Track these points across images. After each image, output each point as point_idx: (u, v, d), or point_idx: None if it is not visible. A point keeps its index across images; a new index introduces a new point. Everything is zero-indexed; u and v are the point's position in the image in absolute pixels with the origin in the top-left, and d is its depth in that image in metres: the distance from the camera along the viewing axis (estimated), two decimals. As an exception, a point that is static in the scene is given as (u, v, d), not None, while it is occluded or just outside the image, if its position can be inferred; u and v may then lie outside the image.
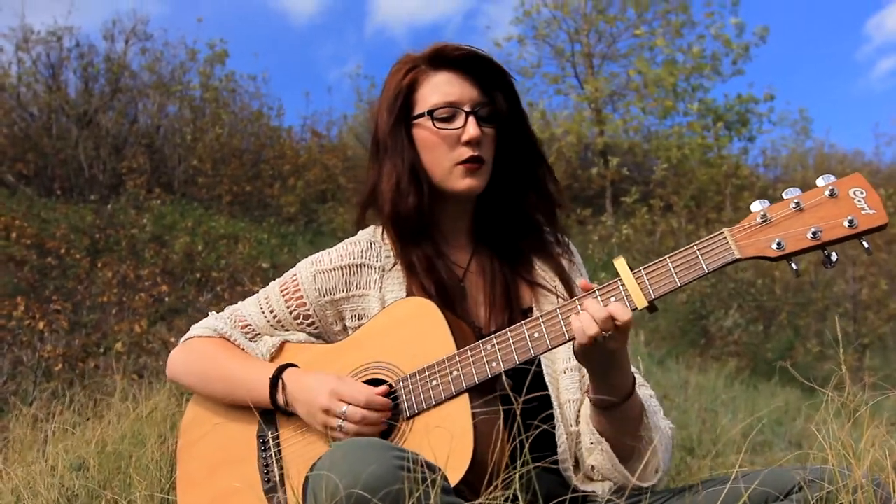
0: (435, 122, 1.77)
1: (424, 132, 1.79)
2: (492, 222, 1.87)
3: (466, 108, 1.76)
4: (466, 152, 1.75)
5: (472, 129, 1.75)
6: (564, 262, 1.89)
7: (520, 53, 13.83)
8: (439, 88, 1.78)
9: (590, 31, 13.45)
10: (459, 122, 1.76)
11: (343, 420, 1.60)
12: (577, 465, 1.73)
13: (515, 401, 1.48)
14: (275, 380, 1.73)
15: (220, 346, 1.87)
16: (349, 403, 1.60)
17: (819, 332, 9.18)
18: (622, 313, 1.48)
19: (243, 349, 1.86)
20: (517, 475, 1.43)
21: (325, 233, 10.63)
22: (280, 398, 1.72)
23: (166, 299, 7.07)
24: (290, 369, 1.74)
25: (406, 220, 1.78)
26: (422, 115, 1.78)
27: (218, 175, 11.03)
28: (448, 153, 1.77)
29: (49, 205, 9.22)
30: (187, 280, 7.76)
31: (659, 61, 12.96)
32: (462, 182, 1.77)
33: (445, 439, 1.53)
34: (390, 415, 1.63)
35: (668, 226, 11.04)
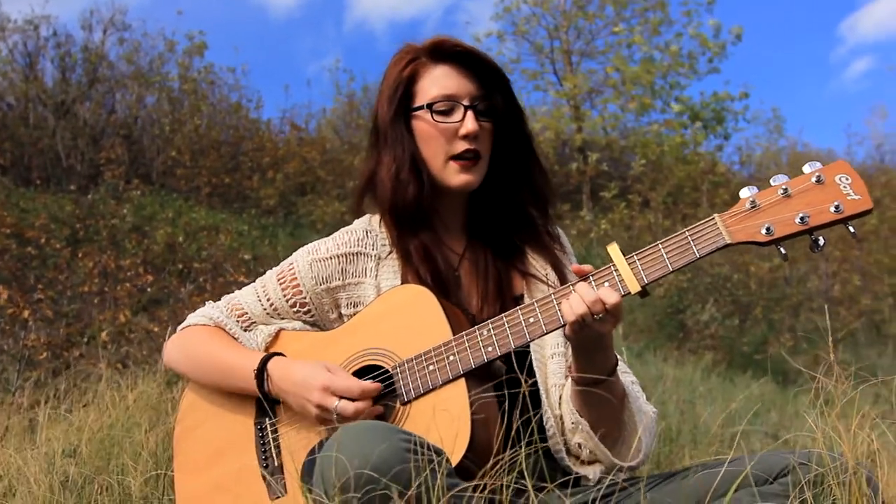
0: (433, 114, 1.79)
1: (423, 124, 1.81)
2: (486, 214, 1.89)
3: (465, 102, 1.78)
4: (463, 145, 1.78)
5: (469, 123, 1.77)
6: (557, 253, 1.92)
7: (499, 49, 13.88)
8: (438, 81, 1.80)
9: (569, 27, 13.54)
10: (458, 115, 1.78)
11: (336, 415, 1.61)
12: (566, 447, 1.76)
13: (507, 385, 1.53)
14: (260, 371, 1.74)
15: (214, 334, 1.88)
16: (342, 397, 1.62)
17: (792, 327, 9.34)
18: (610, 296, 1.52)
19: (237, 339, 1.88)
20: (523, 455, 1.45)
21: (305, 225, 10.61)
22: (268, 388, 1.74)
23: (148, 289, 7.05)
24: (275, 359, 1.75)
25: (405, 209, 1.80)
26: (421, 107, 1.80)
27: (197, 167, 10.97)
28: (445, 146, 1.79)
29: (27, 194, 9.14)
30: (169, 271, 7.74)
31: (637, 59, 13.09)
32: (457, 178, 1.80)
33: (444, 422, 1.55)
34: (382, 410, 1.65)
35: (646, 221, 11.17)
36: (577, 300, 1.53)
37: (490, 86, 1.81)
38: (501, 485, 1.44)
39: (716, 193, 11.71)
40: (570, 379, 1.72)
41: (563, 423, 1.76)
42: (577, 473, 1.72)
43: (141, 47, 12.26)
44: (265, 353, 1.78)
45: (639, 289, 1.53)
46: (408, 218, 1.82)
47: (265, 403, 1.78)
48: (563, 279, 1.86)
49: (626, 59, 13.01)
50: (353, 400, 1.61)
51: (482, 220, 1.89)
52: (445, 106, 1.78)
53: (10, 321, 5.68)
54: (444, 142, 1.79)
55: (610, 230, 10.96)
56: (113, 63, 11.84)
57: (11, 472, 2.25)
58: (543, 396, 1.75)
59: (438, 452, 1.41)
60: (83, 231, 8.21)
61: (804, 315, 9.55)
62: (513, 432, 1.51)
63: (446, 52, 1.80)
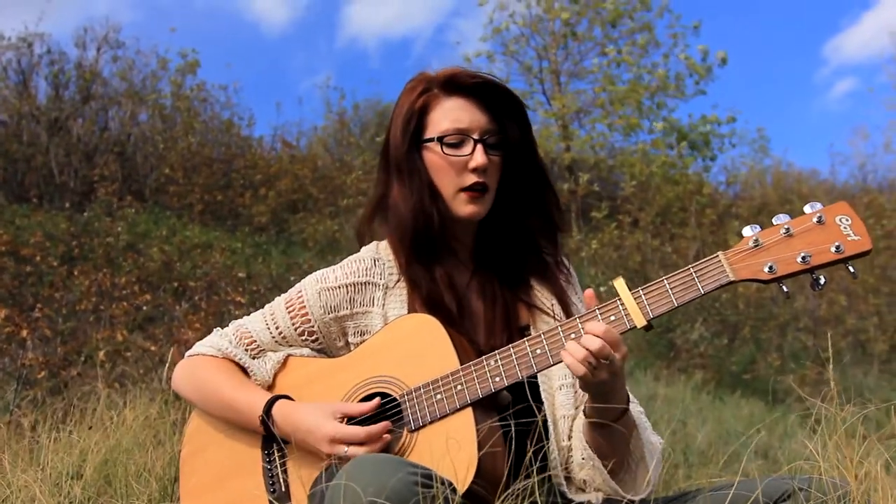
0: (444, 147, 1.81)
1: (433, 156, 1.83)
2: (493, 244, 1.90)
3: (475, 136, 1.80)
4: (471, 178, 1.80)
5: (479, 157, 1.79)
6: (563, 284, 1.93)
7: (489, 70, 13.97)
8: (450, 114, 1.82)
9: (558, 48, 13.67)
10: (468, 148, 1.80)
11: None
12: (567, 478, 1.77)
13: (511, 416, 1.55)
14: (264, 419, 1.75)
15: (221, 368, 1.89)
16: (350, 444, 1.64)
17: (780, 346, 9.43)
18: (592, 343, 1.53)
19: (247, 368, 1.89)
20: (535, 483, 1.48)
21: (297, 242, 10.62)
22: (276, 432, 1.75)
23: (144, 308, 7.07)
24: (279, 404, 1.76)
25: (425, 239, 1.83)
26: (432, 139, 1.82)
27: (189, 184, 10.97)
28: (455, 178, 1.81)
29: (21, 211, 9.13)
30: (164, 289, 7.76)
31: (625, 79, 13.22)
32: (465, 208, 1.82)
33: (452, 451, 1.57)
34: (388, 441, 1.66)
35: (635, 241, 11.25)
36: (571, 360, 1.55)
37: (502, 118, 1.84)
38: None
39: (703, 213, 11.82)
40: (582, 412, 1.73)
41: (569, 456, 1.78)
42: (578, 501, 1.74)
43: (134, 65, 12.31)
44: (270, 396, 1.79)
45: (644, 323, 1.56)
46: (425, 247, 1.84)
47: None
48: (566, 311, 1.88)
49: (614, 78, 13.14)
50: (361, 443, 1.64)
51: (490, 248, 1.91)
52: (456, 139, 1.81)
53: (6, 339, 5.69)
54: (455, 174, 1.81)
55: (600, 250, 11.03)
56: (106, 80, 11.84)
57: (21, 494, 2.24)
58: (551, 427, 1.76)
59: (446, 484, 1.43)
60: (78, 249, 8.21)
61: (791, 334, 9.64)
62: (525, 460, 1.53)
63: (459, 84, 1.83)
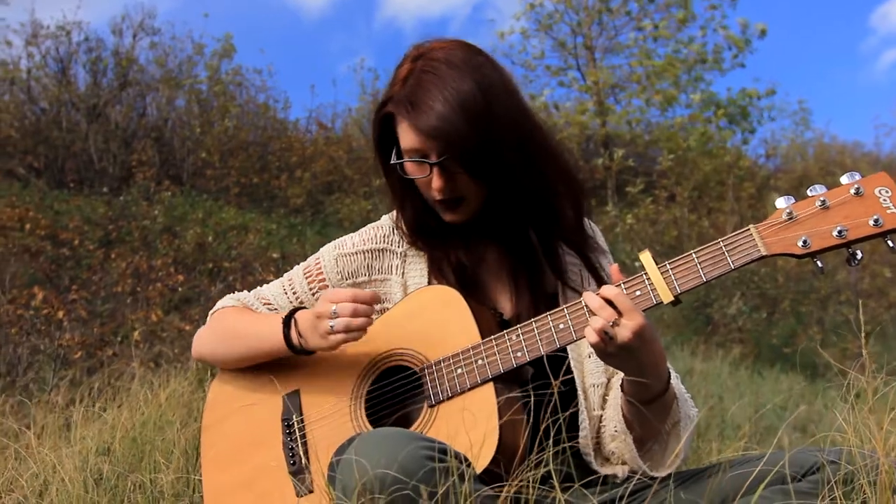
0: (405, 168, 1.73)
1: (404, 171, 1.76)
2: (505, 215, 1.80)
3: (431, 160, 1.67)
4: (438, 195, 1.71)
5: (436, 182, 1.68)
6: (591, 252, 1.86)
7: (523, 46, 13.90)
8: (406, 135, 1.69)
9: (592, 23, 13.52)
10: (426, 170, 1.70)
11: (334, 318, 1.61)
12: (596, 448, 1.74)
13: (532, 390, 1.49)
14: (287, 318, 1.73)
15: (241, 309, 1.91)
16: (338, 302, 1.62)
17: (820, 320, 9.28)
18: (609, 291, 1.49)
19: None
20: (550, 457, 1.43)
21: (332, 223, 10.69)
22: (294, 336, 1.72)
23: (179, 289, 7.17)
24: (301, 311, 1.74)
25: (432, 234, 1.81)
26: (397, 159, 1.74)
27: (226, 167, 11.11)
28: (426, 191, 1.75)
29: (61, 196, 9.32)
30: (199, 270, 7.86)
31: (661, 53, 13.05)
32: (445, 216, 1.76)
33: (471, 427, 1.54)
34: (374, 312, 1.65)
35: (671, 215, 11.12)
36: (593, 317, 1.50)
37: (462, 133, 1.63)
38: (527, 484, 1.41)
39: (741, 187, 11.63)
40: (619, 388, 1.67)
41: (600, 425, 1.74)
42: (604, 474, 1.70)
43: (171, 51, 12.45)
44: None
45: (671, 298, 1.50)
46: (430, 236, 1.82)
47: (297, 400, 1.78)
48: (597, 279, 1.83)
49: (650, 52, 12.97)
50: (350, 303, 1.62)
51: (503, 220, 1.81)
52: (415, 160, 1.70)
53: (45, 321, 5.81)
54: (424, 190, 1.76)
55: (635, 225, 10.92)
56: (143, 66, 12.04)
57: (47, 469, 2.26)
58: (581, 397, 1.72)
59: (462, 458, 1.39)
60: (116, 232, 8.36)
61: (833, 308, 9.47)
62: (539, 433, 1.48)
63: (413, 105, 1.66)
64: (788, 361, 7.92)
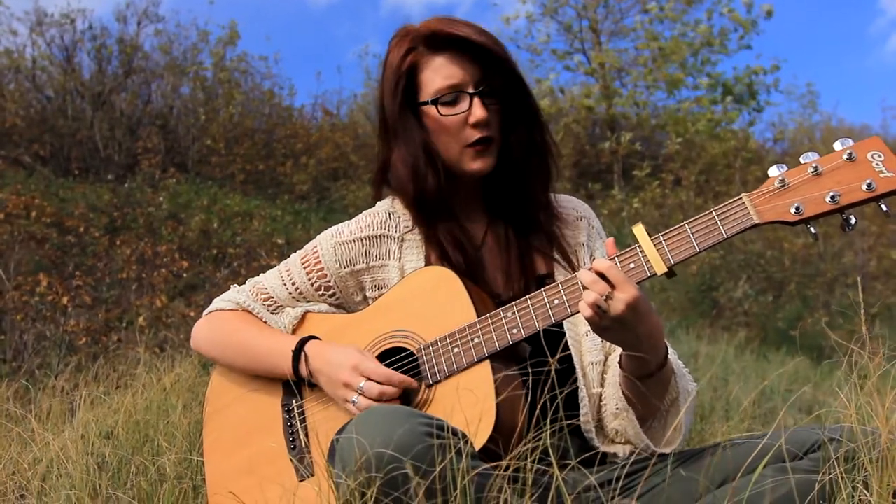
0: (441, 107, 1.76)
1: (432, 117, 1.78)
2: (502, 194, 1.86)
3: (470, 90, 1.74)
4: (475, 134, 1.75)
5: (477, 112, 1.74)
6: (582, 232, 1.91)
7: (528, 31, 13.83)
8: (440, 72, 1.76)
9: (597, 6, 13.44)
10: (465, 104, 1.75)
11: (359, 395, 1.63)
12: (598, 426, 1.75)
13: (529, 367, 1.51)
14: (297, 352, 1.75)
15: (242, 319, 1.90)
16: (369, 379, 1.63)
17: (827, 303, 9.24)
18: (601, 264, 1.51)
19: (265, 322, 1.89)
20: (547, 434, 1.43)
21: (338, 209, 10.68)
22: (303, 370, 1.75)
23: (184, 275, 7.20)
24: (312, 342, 1.77)
25: (428, 200, 1.80)
26: (426, 102, 1.77)
27: (231, 154, 11.11)
28: (457, 136, 1.76)
29: (66, 184, 9.34)
30: (204, 257, 7.88)
31: (668, 35, 12.96)
32: (473, 164, 1.78)
33: (468, 405, 1.55)
34: (401, 391, 1.65)
35: (678, 199, 11.09)
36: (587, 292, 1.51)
37: (492, 65, 1.76)
38: (526, 463, 1.42)
39: (748, 170, 11.58)
40: (618, 365, 1.69)
41: (600, 404, 1.75)
42: (606, 452, 1.72)
43: (175, 38, 12.44)
44: (303, 336, 1.79)
45: (665, 270, 1.50)
46: (429, 207, 1.81)
47: (293, 386, 1.79)
48: (568, 261, 1.86)
49: (657, 35, 12.89)
50: (379, 385, 1.63)
51: (500, 198, 1.87)
52: (451, 97, 1.75)
53: (50, 307, 5.84)
54: (457, 132, 1.76)
55: (642, 209, 10.89)
56: (148, 54, 12.01)
57: (49, 453, 2.27)
58: (580, 375, 1.74)
59: (460, 435, 1.41)
60: (121, 219, 8.38)
61: (839, 291, 9.43)
62: (537, 411, 1.49)
63: (444, 39, 1.75)
64: (794, 345, 7.90)
